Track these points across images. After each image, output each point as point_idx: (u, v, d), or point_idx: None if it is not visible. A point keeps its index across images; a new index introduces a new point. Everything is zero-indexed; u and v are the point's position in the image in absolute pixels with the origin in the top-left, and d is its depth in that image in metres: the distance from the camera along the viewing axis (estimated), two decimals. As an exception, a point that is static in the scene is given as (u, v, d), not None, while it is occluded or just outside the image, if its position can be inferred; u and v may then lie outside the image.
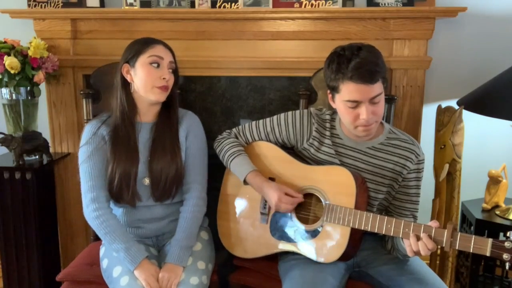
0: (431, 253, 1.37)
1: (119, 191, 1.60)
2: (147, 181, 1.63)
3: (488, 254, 1.28)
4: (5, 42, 2.03)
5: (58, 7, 2.18)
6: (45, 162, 2.11)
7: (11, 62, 1.94)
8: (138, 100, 1.64)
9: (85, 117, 2.03)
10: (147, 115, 1.67)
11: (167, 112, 1.68)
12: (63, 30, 2.15)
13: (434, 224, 1.37)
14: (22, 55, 2.00)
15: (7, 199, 2.04)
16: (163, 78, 1.59)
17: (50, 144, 2.19)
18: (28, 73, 2.00)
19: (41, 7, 2.19)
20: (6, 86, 2.02)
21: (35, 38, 2.05)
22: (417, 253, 1.37)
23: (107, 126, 1.64)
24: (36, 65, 2.01)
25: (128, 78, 1.62)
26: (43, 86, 2.16)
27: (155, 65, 1.59)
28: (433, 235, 1.35)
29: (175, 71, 1.67)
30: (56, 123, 2.25)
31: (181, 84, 2.17)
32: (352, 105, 1.46)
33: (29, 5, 2.20)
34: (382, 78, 1.46)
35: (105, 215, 1.56)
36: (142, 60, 1.59)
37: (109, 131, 1.63)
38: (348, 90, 1.44)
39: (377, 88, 1.44)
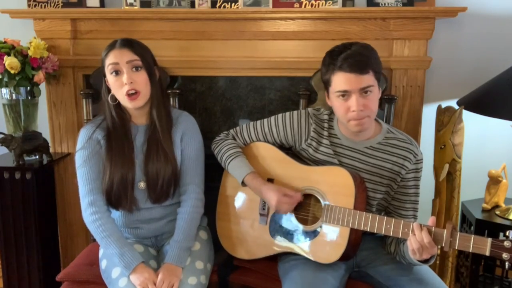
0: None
1: (118, 199, 1.60)
2: (142, 185, 1.62)
3: (487, 253, 1.28)
4: (5, 42, 2.02)
5: (58, 7, 2.18)
6: (45, 162, 2.11)
7: (11, 62, 1.93)
8: (125, 106, 1.63)
9: (85, 117, 2.03)
10: (139, 118, 1.66)
11: (157, 112, 1.64)
12: (63, 30, 2.15)
13: (430, 221, 1.37)
14: (22, 55, 2.00)
15: (7, 199, 2.03)
16: (125, 84, 1.54)
17: (50, 144, 2.19)
18: (28, 73, 2.00)
19: (41, 7, 2.18)
20: (6, 86, 2.01)
21: (35, 38, 2.05)
22: (417, 250, 1.36)
23: (102, 130, 1.64)
24: (36, 65, 2.01)
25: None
26: (43, 86, 2.16)
27: (115, 73, 1.56)
28: (432, 235, 1.35)
29: (147, 67, 1.58)
30: (56, 123, 2.25)
31: (181, 84, 2.17)
32: (342, 96, 1.47)
33: (29, 5, 2.19)
34: (375, 72, 1.46)
35: (102, 219, 1.56)
36: (107, 72, 1.59)
37: (104, 135, 1.62)
38: (338, 80, 1.46)
39: (367, 79, 1.45)
